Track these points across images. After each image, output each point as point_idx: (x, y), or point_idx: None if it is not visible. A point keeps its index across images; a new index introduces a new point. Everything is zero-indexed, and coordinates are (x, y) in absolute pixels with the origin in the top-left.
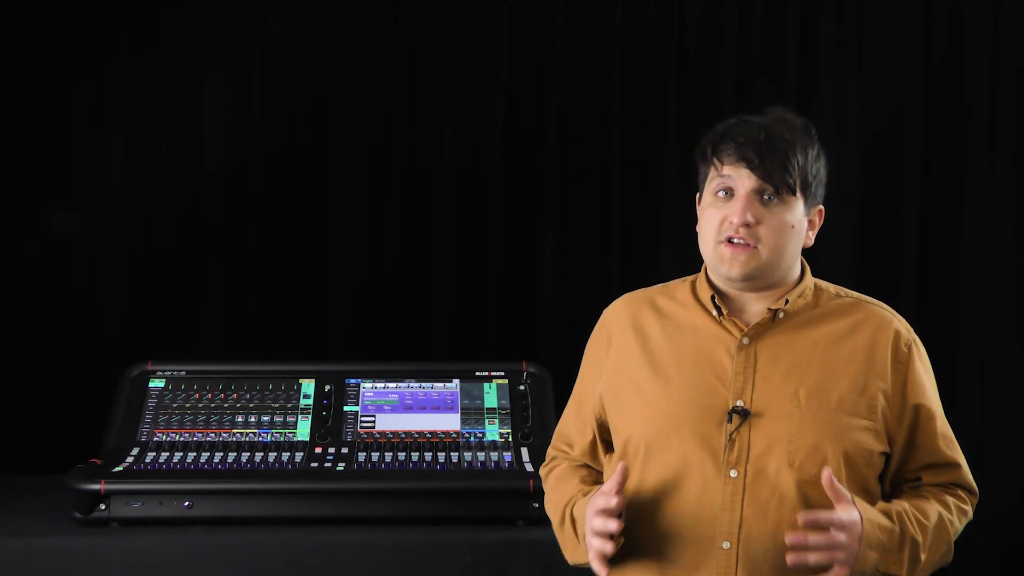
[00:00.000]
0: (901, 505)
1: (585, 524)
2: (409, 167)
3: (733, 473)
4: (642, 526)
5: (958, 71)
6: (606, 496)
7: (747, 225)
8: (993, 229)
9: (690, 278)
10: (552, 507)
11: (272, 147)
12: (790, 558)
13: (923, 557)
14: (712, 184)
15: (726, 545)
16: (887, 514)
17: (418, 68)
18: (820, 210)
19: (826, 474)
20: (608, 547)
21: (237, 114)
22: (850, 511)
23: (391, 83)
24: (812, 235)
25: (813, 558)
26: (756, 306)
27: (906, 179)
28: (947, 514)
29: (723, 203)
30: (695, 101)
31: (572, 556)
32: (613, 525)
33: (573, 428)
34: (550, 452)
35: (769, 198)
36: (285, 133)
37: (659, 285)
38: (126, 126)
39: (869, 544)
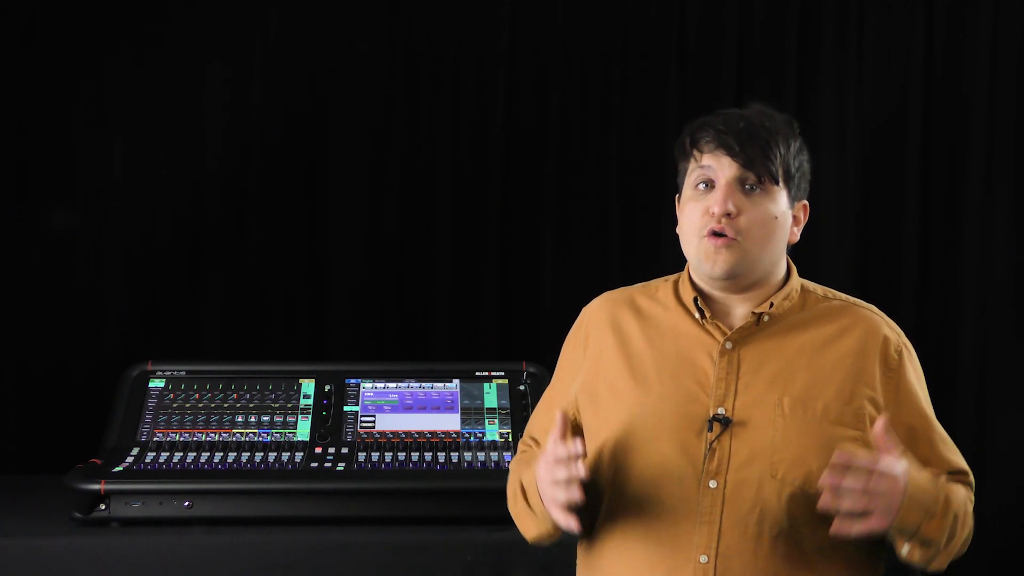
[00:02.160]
0: (940, 477)
1: (539, 481)
2: (409, 167)
3: (713, 484)
4: (616, 537)
5: (958, 70)
6: (560, 444)
7: (728, 215)
8: (993, 229)
9: (672, 277)
10: (508, 492)
11: (272, 147)
12: (822, 501)
13: (959, 533)
14: (692, 177)
15: (703, 559)
16: (932, 480)
17: (418, 67)
18: (805, 205)
19: (881, 422)
20: (576, 494)
21: (237, 113)
22: (896, 462)
23: (391, 83)
24: (797, 231)
25: (847, 503)
26: (740, 308)
27: (906, 179)
28: (966, 503)
29: (703, 195)
30: (695, 101)
31: (527, 528)
32: (580, 470)
33: (540, 426)
34: (519, 448)
35: (751, 188)
36: (285, 134)
37: (639, 284)
38: (126, 125)
39: (913, 501)
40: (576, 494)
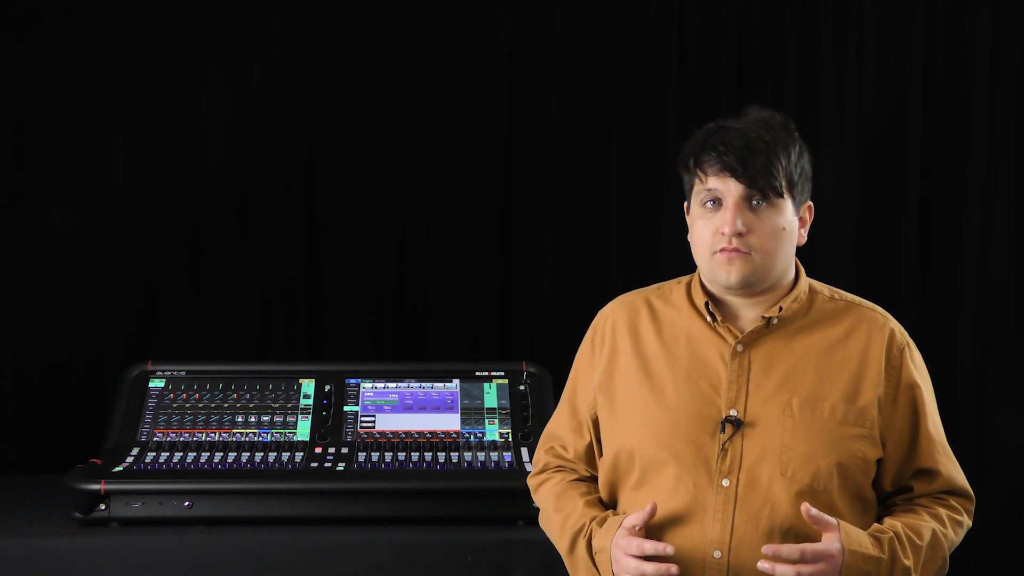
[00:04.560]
0: (894, 527)
1: (615, 564)
2: (409, 167)
3: (725, 482)
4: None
5: (958, 70)
6: (653, 544)
7: (739, 234)
8: (993, 229)
9: (685, 279)
10: (556, 530)
11: (272, 147)
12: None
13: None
14: (699, 196)
15: (717, 554)
16: (878, 541)
17: (418, 67)
18: (810, 206)
19: (804, 508)
20: None
21: (237, 113)
22: (831, 542)
23: (391, 83)
24: (804, 232)
25: None
26: (751, 312)
27: (906, 179)
28: (940, 528)
29: (712, 213)
30: (695, 101)
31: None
32: (675, 570)
33: (568, 430)
34: (541, 458)
35: (757, 203)
36: (285, 133)
37: (654, 286)
38: (126, 125)
39: (851, 572)
40: None
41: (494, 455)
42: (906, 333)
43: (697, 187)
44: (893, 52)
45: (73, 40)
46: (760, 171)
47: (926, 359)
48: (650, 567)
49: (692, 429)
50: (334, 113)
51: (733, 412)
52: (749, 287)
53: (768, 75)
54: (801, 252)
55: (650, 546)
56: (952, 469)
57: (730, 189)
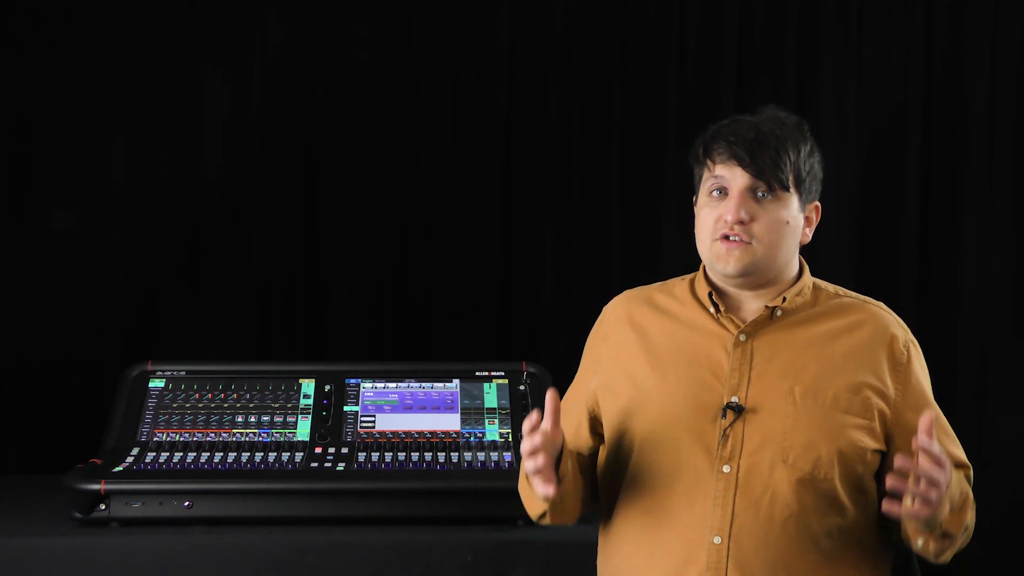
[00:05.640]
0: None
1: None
2: (409, 167)
3: (726, 468)
4: (634, 520)
5: (958, 70)
6: (528, 419)
7: (741, 222)
8: (993, 229)
9: (689, 276)
10: (522, 477)
11: (272, 147)
12: (890, 481)
13: (970, 527)
14: (706, 185)
15: (717, 540)
16: (956, 473)
17: (418, 67)
18: (816, 207)
19: (925, 419)
20: (540, 460)
21: (237, 114)
22: (944, 455)
23: (391, 83)
24: (809, 232)
25: (917, 487)
26: (754, 304)
27: (906, 178)
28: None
29: (717, 202)
30: (695, 101)
31: (530, 507)
32: (538, 439)
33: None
34: None
35: (763, 195)
36: (285, 133)
37: (658, 283)
38: (126, 125)
39: (950, 495)
40: (537, 462)
41: (494, 455)
42: (909, 331)
43: (705, 176)
44: (893, 52)
45: (73, 40)
46: (768, 163)
47: (926, 359)
48: (527, 442)
49: (693, 415)
50: (334, 114)
51: (734, 399)
52: (748, 277)
53: (768, 75)
54: (802, 252)
55: (527, 423)
56: (967, 460)
57: (736, 178)
